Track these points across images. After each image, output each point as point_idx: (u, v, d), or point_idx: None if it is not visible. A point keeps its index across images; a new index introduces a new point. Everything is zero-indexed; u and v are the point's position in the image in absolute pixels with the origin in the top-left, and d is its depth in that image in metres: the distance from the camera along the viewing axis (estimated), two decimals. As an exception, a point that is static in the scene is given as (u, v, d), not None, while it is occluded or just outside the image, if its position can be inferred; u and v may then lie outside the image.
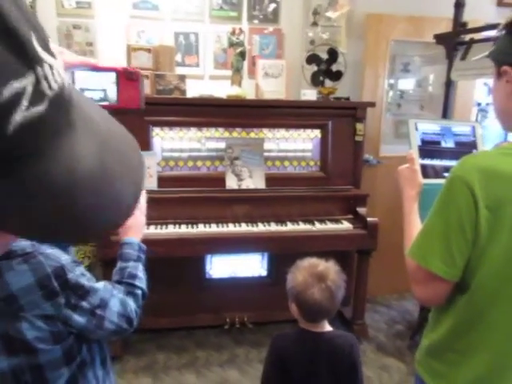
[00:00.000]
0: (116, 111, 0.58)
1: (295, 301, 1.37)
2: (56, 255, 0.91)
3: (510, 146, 0.90)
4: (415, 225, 1.08)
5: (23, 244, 0.90)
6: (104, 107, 0.59)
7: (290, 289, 1.38)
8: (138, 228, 1.18)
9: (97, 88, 0.59)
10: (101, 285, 0.97)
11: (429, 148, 1.85)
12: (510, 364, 0.91)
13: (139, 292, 1.05)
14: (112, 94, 0.59)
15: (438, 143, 1.88)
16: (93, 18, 2.82)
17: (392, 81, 3.27)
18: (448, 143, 1.88)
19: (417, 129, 1.87)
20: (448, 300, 0.96)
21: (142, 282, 1.08)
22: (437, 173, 1.84)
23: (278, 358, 1.39)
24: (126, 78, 0.59)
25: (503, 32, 0.88)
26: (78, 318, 0.90)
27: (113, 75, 0.59)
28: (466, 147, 1.86)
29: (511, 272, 0.87)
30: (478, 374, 0.93)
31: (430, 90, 3.31)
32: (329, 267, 1.39)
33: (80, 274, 0.92)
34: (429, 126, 1.90)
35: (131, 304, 1.00)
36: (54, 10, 2.78)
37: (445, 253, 0.89)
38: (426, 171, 1.79)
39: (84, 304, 0.91)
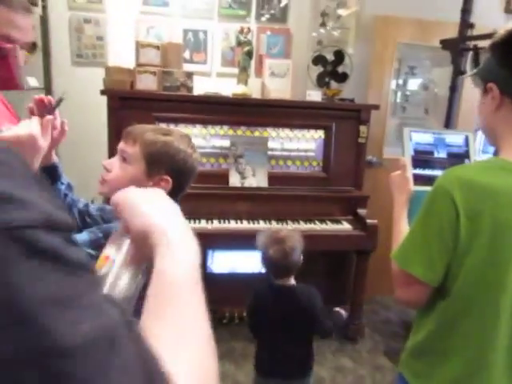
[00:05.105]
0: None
1: (261, 257, 1.72)
2: None
3: (490, 161, 0.96)
4: (402, 230, 1.13)
5: None
6: None
7: (257, 248, 1.72)
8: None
9: None
10: None
11: (421, 158, 1.90)
12: (486, 365, 0.95)
13: None
14: None
15: (431, 153, 1.92)
16: (104, 13, 2.86)
17: (398, 83, 3.28)
18: (440, 154, 1.92)
19: (411, 139, 1.91)
20: (430, 304, 1.00)
21: None
22: (428, 181, 1.88)
23: (254, 302, 1.77)
24: None
25: (489, 53, 0.93)
26: None
27: None
28: (457, 158, 1.89)
29: (488, 279, 0.91)
30: (455, 375, 0.98)
31: (435, 93, 3.32)
32: (288, 234, 1.71)
33: None
34: (422, 137, 1.94)
35: None
36: (65, 3, 2.82)
37: (425, 258, 0.94)
38: (418, 180, 1.84)
39: None
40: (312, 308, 1.69)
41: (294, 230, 1.75)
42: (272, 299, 1.72)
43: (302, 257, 1.71)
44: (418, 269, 0.95)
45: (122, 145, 1.09)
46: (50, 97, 1.00)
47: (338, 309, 1.86)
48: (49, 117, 0.99)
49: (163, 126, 2.57)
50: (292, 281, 1.74)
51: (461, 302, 0.95)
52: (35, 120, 0.95)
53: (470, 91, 3.05)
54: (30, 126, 0.93)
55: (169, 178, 1.07)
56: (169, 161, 1.07)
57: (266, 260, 1.69)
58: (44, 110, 0.98)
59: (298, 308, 1.68)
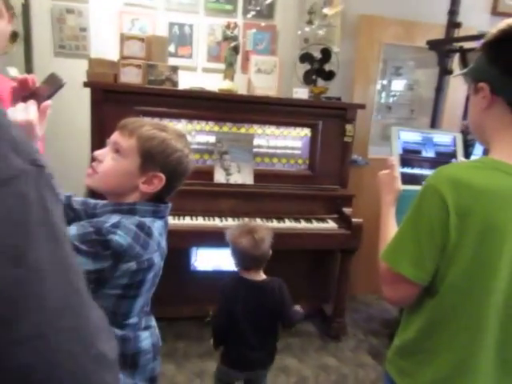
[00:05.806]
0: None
1: (231, 250, 1.74)
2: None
3: (481, 160, 0.95)
4: (390, 229, 1.12)
5: None
6: None
7: (228, 241, 1.74)
8: None
9: None
10: None
11: (409, 157, 1.90)
12: (472, 365, 0.95)
13: None
14: None
15: (419, 152, 1.93)
16: (87, 3, 2.78)
17: (383, 83, 3.30)
18: (428, 153, 1.93)
19: (399, 137, 1.91)
20: (418, 302, 1.00)
21: None
22: (415, 180, 1.88)
23: (224, 299, 1.76)
24: None
25: (480, 52, 0.93)
26: None
27: None
28: (445, 157, 1.91)
29: (476, 278, 0.91)
30: (442, 374, 0.97)
31: (421, 94, 3.35)
32: (257, 225, 1.80)
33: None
34: (411, 136, 1.95)
35: None
36: (46, -7, 2.74)
37: (415, 257, 0.93)
38: (406, 179, 1.83)
39: None
40: (282, 301, 1.75)
41: (262, 224, 1.81)
42: (243, 295, 1.74)
43: (270, 251, 1.76)
44: (408, 268, 0.94)
45: (116, 136, 1.05)
46: (33, 75, 0.93)
47: (297, 307, 1.84)
48: (47, 102, 0.92)
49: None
50: (262, 275, 1.79)
51: (449, 300, 0.95)
52: (32, 106, 0.87)
53: (455, 92, 3.09)
54: (28, 112, 0.85)
55: (162, 176, 1.05)
56: (164, 159, 1.04)
57: (238, 250, 1.72)
58: (26, 90, 0.91)
59: (270, 302, 1.73)
